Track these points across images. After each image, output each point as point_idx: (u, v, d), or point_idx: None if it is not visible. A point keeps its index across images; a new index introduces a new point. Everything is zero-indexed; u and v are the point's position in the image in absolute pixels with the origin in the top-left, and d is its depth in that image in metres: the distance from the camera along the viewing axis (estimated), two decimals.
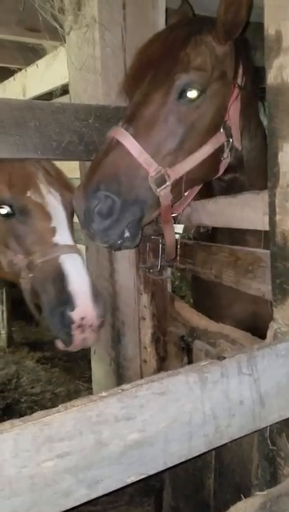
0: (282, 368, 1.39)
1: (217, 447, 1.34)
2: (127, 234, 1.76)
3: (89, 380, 4.51)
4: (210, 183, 2.17)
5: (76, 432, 1.09)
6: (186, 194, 2.03)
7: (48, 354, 5.27)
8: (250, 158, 2.06)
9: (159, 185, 1.74)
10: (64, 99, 3.36)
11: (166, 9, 2.22)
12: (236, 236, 2.09)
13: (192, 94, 1.76)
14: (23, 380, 4.60)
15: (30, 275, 2.00)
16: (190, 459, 1.29)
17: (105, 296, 2.36)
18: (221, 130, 1.88)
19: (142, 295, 2.32)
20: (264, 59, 1.43)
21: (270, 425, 1.48)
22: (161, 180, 1.74)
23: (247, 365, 1.30)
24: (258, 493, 1.40)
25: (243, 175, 2.09)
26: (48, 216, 2.01)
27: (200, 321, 2.07)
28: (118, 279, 2.30)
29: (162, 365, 2.30)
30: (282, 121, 1.39)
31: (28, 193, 2.00)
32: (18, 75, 3.78)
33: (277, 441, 1.52)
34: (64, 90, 3.36)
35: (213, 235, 2.25)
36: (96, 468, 1.12)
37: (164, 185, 1.75)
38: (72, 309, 1.87)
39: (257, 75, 2.12)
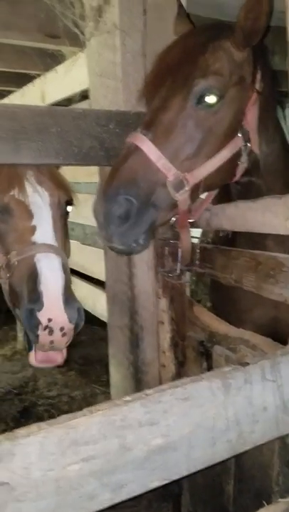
0: None
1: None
2: (142, 237, 1.76)
3: (105, 384, 4.53)
4: (227, 186, 2.17)
5: (101, 435, 1.09)
6: (203, 198, 2.04)
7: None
8: (267, 162, 2.05)
9: (177, 190, 1.75)
10: (83, 105, 3.39)
11: (187, 14, 2.22)
12: (257, 240, 2.09)
13: (211, 99, 1.77)
14: (40, 382, 4.63)
15: (8, 275, 1.97)
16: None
17: (124, 300, 2.37)
18: (239, 135, 1.88)
19: (161, 299, 2.32)
20: (283, 63, 1.43)
21: None
22: (179, 185, 1.75)
23: (270, 371, 1.30)
24: (280, 499, 1.38)
25: (259, 179, 2.09)
26: (29, 215, 1.98)
27: (220, 326, 2.06)
28: (137, 283, 2.31)
29: (181, 369, 2.30)
30: None
31: (12, 192, 1.98)
32: (37, 81, 3.81)
33: None
34: (83, 96, 3.38)
35: (232, 240, 2.24)
36: (120, 472, 1.12)
37: (183, 190, 1.76)
38: (40, 309, 1.80)
39: (275, 79, 2.12)
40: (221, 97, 1.79)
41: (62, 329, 1.82)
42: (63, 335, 1.83)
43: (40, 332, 1.80)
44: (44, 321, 1.79)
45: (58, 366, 4.97)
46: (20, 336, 5.54)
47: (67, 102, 3.60)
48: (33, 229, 1.96)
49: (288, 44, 1.41)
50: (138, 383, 2.33)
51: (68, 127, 1.93)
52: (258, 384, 1.28)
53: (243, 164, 1.96)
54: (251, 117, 1.91)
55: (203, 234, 2.80)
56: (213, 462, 1.26)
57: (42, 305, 1.79)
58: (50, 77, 3.58)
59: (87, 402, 4.25)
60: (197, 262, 2.17)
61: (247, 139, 1.91)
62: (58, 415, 3.41)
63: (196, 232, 2.47)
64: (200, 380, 1.21)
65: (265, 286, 1.72)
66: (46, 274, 1.85)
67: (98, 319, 3.35)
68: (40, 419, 3.94)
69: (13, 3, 2.78)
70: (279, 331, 2.05)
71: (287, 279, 1.60)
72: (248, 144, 1.92)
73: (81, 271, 3.64)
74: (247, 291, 1.88)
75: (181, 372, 2.28)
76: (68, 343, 1.93)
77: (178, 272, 2.16)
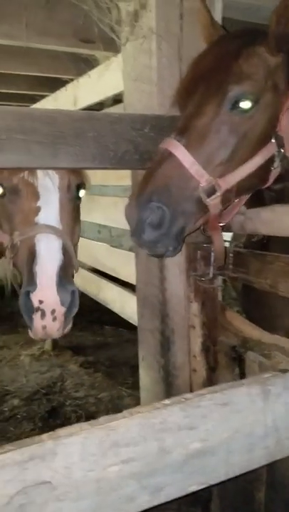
0: None
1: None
2: (174, 244, 1.77)
3: (131, 387, 4.55)
4: (259, 192, 2.15)
5: (140, 438, 1.10)
6: (235, 202, 2.03)
7: (90, 359, 5.34)
8: None
9: (209, 196, 1.75)
10: (115, 109, 3.43)
11: (223, 18, 2.22)
12: None
13: (245, 104, 1.76)
14: (68, 383, 4.68)
15: (11, 255, 1.97)
16: None
17: (155, 303, 2.38)
18: (273, 140, 1.87)
19: (192, 303, 2.31)
20: None
21: None
22: (211, 191, 1.75)
23: None
24: None
25: None
26: (36, 196, 1.97)
27: (253, 331, 2.04)
28: (168, 286, 2.31)
29: (212, 375, 2.28)
30: None
31: (22, 174, 1.98)
32: (69, 86, 3.87)
33: None
34: (115, 100, 3.42)
35: (266, 244, 2.22)
36: (159, 475, 1.13)
37: (214, 196, 1.76)
38: (33, 290, 1.77)
39: None
40: (255, 103, 1.78)
41: (53, 312, 1.78)
42: (54, 319, 1.79)
43: (33, 316, 1.78)
44: (36, 303, 1.77)
45: (85, 367, 5.02)
46: None
47: (99, 106, 3.64)
48: (38, 210, 1.95)
49: None
50: (169, 387, 2.33)
51: (105, 131, 1.96)
52: None
53: (276, 170, 1.94)
54: (285, 123, 1.89)
55: (235, 238, 2.78)
56: (251, 468, 1.25)
57: (35, 286, 1.77)
58: (82, 81, 3.62)
59: (114, 404, 4.27)
60: (230, 267, 2.16)
61: (281, 144, 1.89)
62: (86, 416, 3.47)
63: (226, 236, 2.45)
64: (239, 386, 1.20)
65: None
66: (42, 255, 1.84)
67: (124, 321, 3.37)
68: (67, 419, 4.00)
69: (49, 10, 2.84)
70: None
71: None
72: (282, 150, 1.90)
73: (110, 273, 3.67)
74: (280, 297, 1.86)
75: (212, 377, 2.27)
76: (62, 331, 1.88)
77: (210, 275, 2.15)
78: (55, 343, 5.58)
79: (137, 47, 2.22)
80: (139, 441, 1.10)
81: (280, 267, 1.84)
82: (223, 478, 1.21)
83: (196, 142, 1.75)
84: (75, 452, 1.04)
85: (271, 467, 1.90)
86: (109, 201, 3.77)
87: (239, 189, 1.85)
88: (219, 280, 2.34)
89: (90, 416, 4.04)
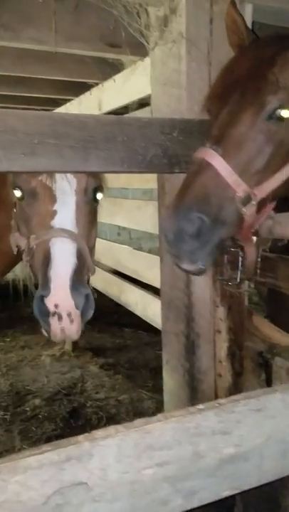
0: None
1: None
2: (210, 256, 1.75)
3: (151, 390, 4.55)
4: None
5: (175, 442, 1.10)
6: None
7: (110, 360, 5.37)
8: None
9: (244, 205, 1.74)
10: (140, 113, 3.44)
11: (253, 22, 2.22)
12: None
13: (284, 113, 1.73)
14: (88, 384, 4.71)
15: (28, 258, 1.98)
16: None
17: (180, 306, 2.38)
18: None
19: (218, 308, 2.31)
20: None
21: None
22: (247, 200, 1.74)
23: None
24: None
25: None
26: (52, 199, 1.97)
27: (281, 337, 2.03)
28: (194, 290, 2.31)
29: (238, 380, 2.27)
30: None
31: (40, 176, 1.99)
32: (94, 90, 3.91)
33: None
34: (140, 104, 3.44)
35: None
36: (192, 479, 1.13)
37: (249, 204, 1.74)
38: (47, 295, 1.79)
39: None
40: None
41: (69, 315, 1.80)
42: (72, 321, 1.80)
43: (51, 320, 1.80)
44: (51, 307, 1.79)
45: (105, 369, 5.04)
46: None
47: (124, 109, 3.67)
48: (54, 213, 1.96)
49: None
50: (193, 391, 2.33)
51: (134, 136, 1.97)
52: None
53: None
54: None
55: (260, 242, 2.76)
56: (284, 475, 1.25)
57: (49, 291, 1.79)
58: (107, 85, 3.66)
59: (134, 406, 4.28)
60: (258, 271, 2.14)
61: None
62: (106, 418, 3.49)
63: None
64: (273, 392, 1.20)
65: None
66: (57, 259, 1.85)
67: (143, 324, 3.38)
68: (88, 421, 4.02)
69: (77, 14, 2.87)
70: None
71: None
72: None
73: (133, 276, 3.69)
74: None
75: (238, 382, 2.26)
76: (80, 332, 1.89)
77: (238, 280, 2.14)
78: (75, 344, 5.62)
79: (166, 51, 2.23)
80: (174, 445, 1.10)
81: None
82: (255, 484, 1.21)
83: (232, 151, 1.73)
84: (110, 454, 1.05)
85: None
86: (132, 204, 3.79)
87: (273, 197, 1.84)
88: (246, 285, 2.33)
89: (110, 418, 4.06)
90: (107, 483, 1.05)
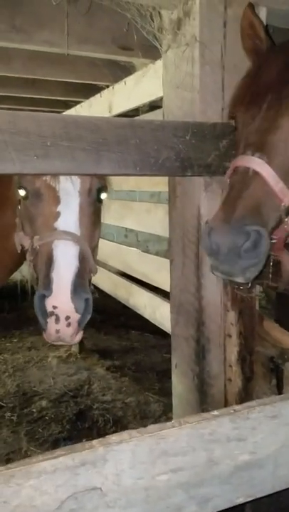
0: None
1: None
2: (262, 267, 1.68)
3: (158, 393, 4.54)
4: None
5: (189, 448, 1.09)
6: None
7: (117, 363, 5.36)
8: None
9: (287, 214, 1.69)
10: (151, 116, 3.44)
11: (266, 26, 2.21)
12: None
13: None
14: (95, 386, 4.71)
15: (31, 258, 2.00)
16: None
17: (190, 310, 2.37)
18: None
19: (229, 312, 2.29)
20: None
21: None
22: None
23: None
24: None
25: None
26: (56, 201, 1.98)
27: None
28: (205, 294, 2.29)
29: (248, 385, 2.26)
30: None
31: (45, 177, 1.98)
32: (104, 92, 3.91)
33: None
34: (150, 107, 3.43)
35: None
36: (206, 486, 1.12)
37: None
38: (48, 295, 1.80)
39: None
40: None
41: (67, 318, 1.81)
42: (68, 324, 1.81)
43: (48, 319, 1.81)
44: (50, 308, 1.80)
45: (112, 371, 5.04)
46: None
47: (134, 112, 3.67)
48: (57, 215, 1.97)
49: None
50: (203, 396, 2.31)
51: (147, 138, 1.96)
52: None
53: None
54: None
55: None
56: None
57: (51, 292, 1.80)
58: (118, 88, 3.66)
59: (141, 409, 4.27)
60: (270, 276, 2.13)
61: None
62: (113, 421, 3.47)
63: None
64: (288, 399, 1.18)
65: None
66: (59, 261, 1.86)
67: (150, 326, 3.37)
68: (95, 423, 4.02)
69: (89, 17, 2.87)
70: None
71: None
72: None
73: (142, 279, 3.68)
74: None
75: (248, 387, 2.24)
76: (76, 337, 1.91)
77: (249, 284, 2.12)
78: (82, 345, 5.63)
79: (179, 54, 2.23)
80: (188, 451, 1.09)
81: None
82: (269, 491, 1.19)
83: (276, 159, 1.68)
84: (125, 459, 1.04)
85: None
86: (141, 207, 3.79)
87: None
88: (257, 289, 2.31)
89: (117, 420, 4.05)
90: (122, 489, 1.04)
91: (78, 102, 4.59)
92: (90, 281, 2.11)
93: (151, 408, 4.28)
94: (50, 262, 1.88)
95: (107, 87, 3.83)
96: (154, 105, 3.31)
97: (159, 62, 2.59)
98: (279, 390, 2.09)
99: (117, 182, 4.12)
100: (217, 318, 2.30)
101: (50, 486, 0.98)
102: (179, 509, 1.09)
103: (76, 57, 3.45)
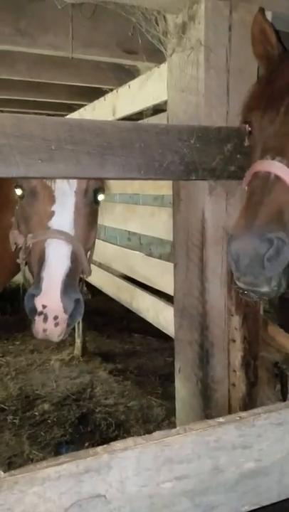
0: None
1: None
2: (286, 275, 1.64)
3: (161, 397, 4.53)
4: None
5: (194, 455, 1.08)
6: None
7: (119, 366, 5.35)
8: None
9: None
10: (155, 119, 3.44)
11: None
12: None
13: None
14: (97, 390, 4.69)
15: (24, 256, 2.01)
16: None
17: (194, 314, 2.36)
18: None
19: (233, 316, 2.28)
20: None
21: None
22: None
23: None
24: None
25: None
26: (51, 200, 1.98)
27: None
28: (209, 298, 2.28)
29: (252, 390, 2.24)
30: None
31: None
32: (108, 95, 3.91)
33: None
34: (154, 110, 3.43)
35: None
36: (212, 493, 1.11)
37: None
38: (38, 294, 1.81)
39: None
40: None
41: (55, 318, 1.81)
42: (56, 324, 1.82)
43: (36, 318, 1.82)
44: (39, 307, 1.80)
45: (114, 375, 5.02)
46: (78, 341, 5.66)
47: (138, 115, 3.67)
48: (52, 214, 1.97)
49: None
50: (207, 400, 2.30)
51: (151, 142, 1.96)
52: None
53: None
54: None
55: None
56: None
57: (40, 291, 1.80)
58: (122, 91, 3.66)
59: (144, 413, 4.25)
60: None
61: None
62: (115, 425, 3.46)
63: None
64: None
65: None
66: (50, 261, 1.86)
67: (153, 330, 3.36)
68: (97, 427, 4.00)
69: (93, 21, 2.87)
70: None
71: None
72: None
73: (145, 282, 3.67)
74: None
75: (252, 392, 2.23)
76: (63, 335, 1.91)
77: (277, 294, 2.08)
78: (85, 349, 5.62)
79: (184, 58, 2.23)
80: (193, 459, 1.08)
81: None
82: (275, 499, 1.18)
83: None
84: (129, 466, 1.03)
85: None
86: (145, 210, 3.78)
87: None
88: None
89: (119, 424, 4.04)
90: (126, 496, 1.03)
91: (82, 106, 4.59)
92: (83, 282, 2.12)
93: (153, 412, 4.26)
94: (41, 260, 1.89)
95: (111, 90, 3.83)
96: (158, 109, 3.31)
97: (164, 66, 2.59)
98: (283, 396, 2.08)
99: (121, 185, 4.13)
100: (221, 323, 2.29)
101: (54, 493, 0.97)
102: None
103: (81, 60, 3.45)
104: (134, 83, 3.42)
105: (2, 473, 0.95)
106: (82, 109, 4.62)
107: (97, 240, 4.63)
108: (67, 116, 5.09)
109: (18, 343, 6.06)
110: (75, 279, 1.94)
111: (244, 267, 1.56)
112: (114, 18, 2.74)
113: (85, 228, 2.08)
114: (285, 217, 1.59)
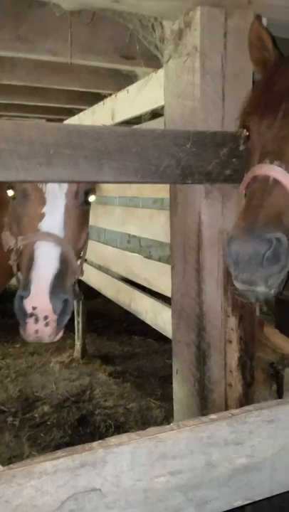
0: None
1: None
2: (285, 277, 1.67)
3: (160, 398, 4.55)
4: None
5: (188, 451, 1.11)
6: None
7: (119, 368, 5.38)
8: None
9: None
10: (153, 123, 3.48)
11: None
12: None
13: None
14: (97, 392, 4.72)
15: (15, 257, 2.04)
16: None
17: (191, 315, 2.39)
18: None
19: (230, 317, 2.31)
20: None
21: None
22: None
23: None
24: None
25: None
26: (42, 202, 2.01)
27: None
28: (205, 299, 2.32)
29: (248, 390, 2.27)
30: None
31: None
32: (107, 100, 3.96)
33: None
34: (153, 114, 3.48)
35: None
36: (205, 488, 1.14)
37: None
38: (26, 296, 1.83)
39: None
40: None
41: (46, 318, 1.84)
42: (47, 324, 1.85)
43: (27, 320, 1.84)
44: (29, 309, 1.83)
45: (114, 377, 5.03)
46: (78, 344, 5.69)
47: (137, 119, 3.71)
48: (42, 216, 2.00)
49: None
50: (204, 401, 2.32)
51: (148, 147, 2.00)
52: None
53: None
54: None
55: None
56: None
57: (29, 292, 1.83)
58: (120, 96, 3.70)
59: (143, 415, 4.28)
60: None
61: None
62: (115, 426, 3.49)
63: None
64: (286, 404, 1.21)
65: None
66: (38, 263, 1.89)
67: (152, 332, 3.39)
68: (97, 428, 4.03)
69: (92, 27, 2.92)
70: None
71: None
72: None
73: (144, 284, 3.70)
74: None
75: (248, 393, 2.26)
76: (54, 336, 1.94)
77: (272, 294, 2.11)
78: (84, 351, 5.64)
79: (180, 64, 2.27)
80: (187, 454, 1.11)
81: None
82: (268, 494, 1.21)
83: None
84: (124, 461, 1.06)
85: None
86: (144, 213, 3.82)
87: None
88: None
89: (118, 426, 4.06)
90: (121, 490, 1.07)
91: (82, 110, 4.64)
92: (76, 282, 2.15)
93: (152, 414, 4.29)
94: (30, 262, 1.92)
95: (110, 95, 3.88)
96: (157, 113, 3.35)
97: (161, 71, 2.63)
98: (279, 396, 2.11)
99: (120, 188, 4.17)
100: (218, 324, 2.33)
101: (51, 486, 1.00)
102: (177, 511, 1.11)
103: (80, 66, 3.49)
104: (132, 88, 3.47)
105: (1, 466, 0.98)
106: (81, 114, 4.67)
107: (96, 242, 4.69)
108: (67, 121, 5.15)
109: (18, 345, 6.08)
110: (65, 280, 1.96)
111: (242, 264, 1.60)
112: (112, 24, 2.78)
113: (76, 229, 2.11)
114: (284, 219, 1.63)
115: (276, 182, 1.66)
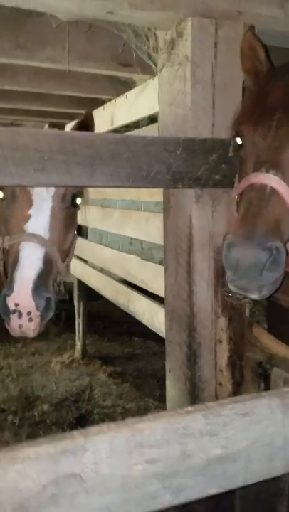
0: None
1: None
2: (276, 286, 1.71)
3: (158, 399, 4.61)
4: None
5: (164, 441, 1.18)
6: None
7: (118, 369, 5.44)
8: None
9: None
10: (151, 128, 3.56)
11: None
12: None
13: None
14: (96, 392, 4.79)
15: (1, 257, 2.12)
16: (263, 484, 1.34)
17: (182, 316, 2.46)
18: None
19: (220, 318, 2.38)
20: None
21: None
22: None
23: None
24: None
25: None
26: (29, 204, 2.09)
27: (280, 348, 2.09)
28: (196, 301, 2.38)
29: (238, 389, 2.33)
30: None
31: None
32: (107, 105, 4.05)
33: None
34: (151, 119, 3.56)
35: None
36: (181, 477, 1.20)
37: None
38: (10, 294, 1.93)
39: None
40: None
41: (29, 313, 1.93)
42: (30, 320, 1.94)
43: (10, 316, 1.94)
44: (11, 306, 1.93)
45: (113, 377, 5.09)
46: (78, 344, 5.76)
47: (135, 124, 3.80)
48: (28, 218, 2.08)
49: None
50: (195, 399, 2.39)
51: (139, 153, 2.07)
52: None
53: None
54: None
55: None
56: (270, 476, 1.31)
57: (12, 291, 1.93)
58: (119, 101, 3.79)
59: (141, 415, 4.31)
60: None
61: None
62: None
63: None
64: (260, 398, 1.27)
65: None
66: (23, 263, 1.98)
67: (152, 333, 3.45)
68: None
69: (90, 35, 3.01)
70: None
71: None
72: None
73: (141, 286, 3.77)
74: None
75: (238, 391, 2.32)
76: (37, 331, 2.03)
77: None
78: (85, 351, 5.72)
79: (173, 73, 2.34)
80: (163, 444, 1.18)
81: None
82: (241, 484, 1.27)
83: None
84: (103, 449, 1.13)
85: None
86: (141, 216, 3.89)
87: None
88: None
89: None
90: (100, 477, 1.13)
91: (82, 114, 4.72)
92: (60, 282, 2.24)
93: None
94: (15, 262, 2.01)
95: (109, 100, 3.97)
96: (155, 118, 3.43)
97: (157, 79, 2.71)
98: None
99: (119, 192, 4.24)
100: (208, 324, 2.39)
101: (33, 471, 1.07)
102: (153, 497, 1.18)
103: (79, 72, 3.58)
104: (130, 94, 3.55)
105: None
106: None
107: (96, 244, 4.75)
108: (69, 125, 5.25)
109: (19, 345, 6.17)
110: (48, 279, 2.05)
111: (242, 271, 1.63)
112: (109, 32, 2.86)
113: (62, 231, 2.20)
114: (281, 227, 1.68)
115: (273, 191, 1.70)
